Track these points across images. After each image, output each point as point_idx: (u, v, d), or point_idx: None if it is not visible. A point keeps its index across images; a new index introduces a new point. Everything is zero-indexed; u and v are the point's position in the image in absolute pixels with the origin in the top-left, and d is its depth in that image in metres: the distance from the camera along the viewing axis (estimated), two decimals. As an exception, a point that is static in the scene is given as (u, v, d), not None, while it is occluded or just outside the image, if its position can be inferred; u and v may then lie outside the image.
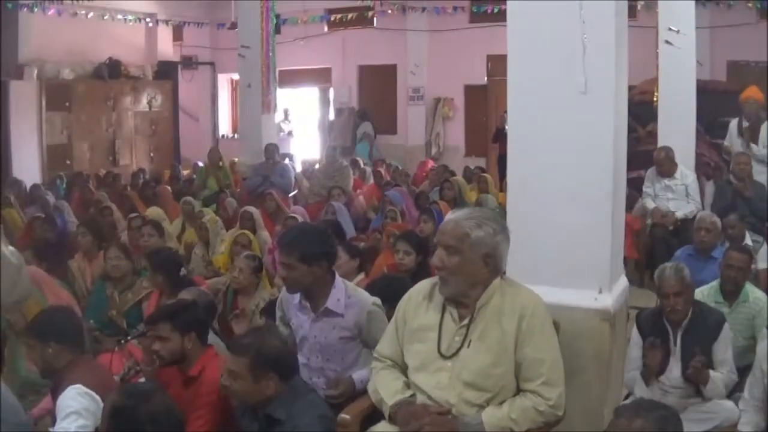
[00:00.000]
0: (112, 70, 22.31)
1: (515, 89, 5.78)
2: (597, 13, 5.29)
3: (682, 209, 11.33)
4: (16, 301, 3.06)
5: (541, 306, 4.49)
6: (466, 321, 4.44)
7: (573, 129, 5.43)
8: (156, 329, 5.51)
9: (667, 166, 11.59)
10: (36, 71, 20.24)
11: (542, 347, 4.39)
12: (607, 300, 5.46)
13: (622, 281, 5.96)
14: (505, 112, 20.29)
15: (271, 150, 15.29)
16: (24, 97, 19.90)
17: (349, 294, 5.38)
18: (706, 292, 6.97)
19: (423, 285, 4.79)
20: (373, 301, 5.43)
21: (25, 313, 6.53)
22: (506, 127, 19.14)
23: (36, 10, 19.67)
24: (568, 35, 5.37)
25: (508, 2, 5.80)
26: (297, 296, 5.41)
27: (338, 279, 5.43)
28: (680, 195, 11.50)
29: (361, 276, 7.76)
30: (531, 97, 5.63)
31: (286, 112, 24.30)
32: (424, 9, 22.46)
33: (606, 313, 5.41)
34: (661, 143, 11.89)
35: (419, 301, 4.68)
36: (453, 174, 14.77)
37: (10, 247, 3.04)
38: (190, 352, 5.38)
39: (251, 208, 11.07)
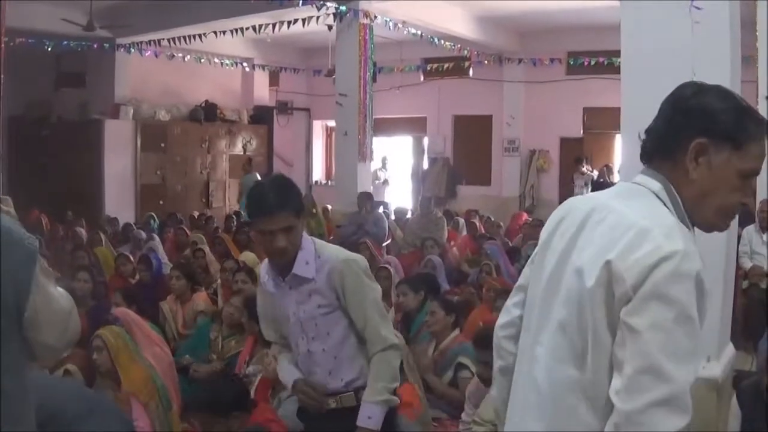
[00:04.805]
0: (208, 112, 22.59)
1: (629, 143, 5.65)
2: (711, 72, 5.15)
3: (778, 265, 11.08)
4: (66, 345, 2.95)
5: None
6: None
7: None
8: (196, 414, 5.79)
9: (768, 220, 11.37)
10: (132, 111, 20.62)
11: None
12: (715, 369, 5.30)
13: (730, 348, 5.79)
14: (605, 165, 20.39)
15: (365, 199, 15.19)
16: (120, 136, 20.32)
17: (319, 253, 4.54)
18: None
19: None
20: (345, 256, 4.61)
21: (114, 355, 6.50)
22: (607, 179, 19.10)
23: (133, 51, 20.01)
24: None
25: (622, 49, 5.72)
26: (267, 276, 4.67)
27: (306, 238, 4.56)
28: (778, 252, 11.23)
29: (456, 332, 7.56)
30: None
31: (384, 160, 24.31)
32: (520, 60, 22.46)
33: (713, 382, 5.26)
34: (760, 197, 11.59)
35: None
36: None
37: (61, 289, 2.92)
38: None
39: (346, 256, 10.90)
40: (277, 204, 4.34)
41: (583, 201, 2.91)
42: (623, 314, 2.42)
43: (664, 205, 2.66)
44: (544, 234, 2.94)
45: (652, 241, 2.44)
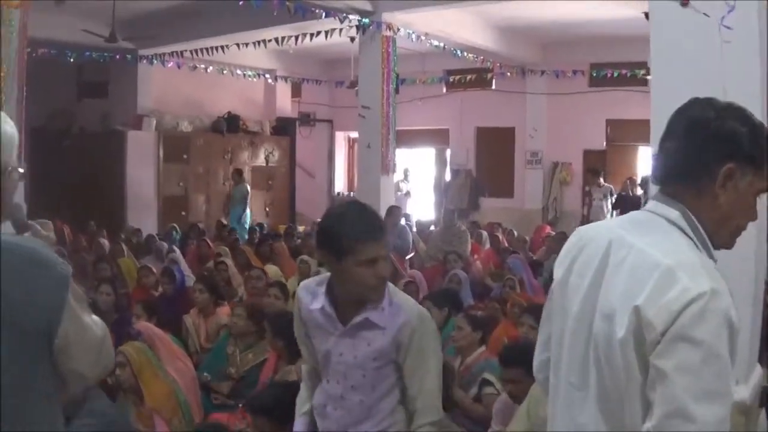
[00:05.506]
0: (231, 124, 22.66)
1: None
2: (741, 87, 5.08)
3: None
4: (99, 374, 2.91)
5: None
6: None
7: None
8: (254, 417, 5.50)
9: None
10: (155, 122, 20.69)
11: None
12: (744, 392, 5.21)
13: (758, 370, 5.69)
14: (629, 178, 20.28)
15: (397, 213, 15.08)
16: (142, 147, 20.42)
17: (392, 297, 3.97)
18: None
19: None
20: (420, 310, 4.08)
21: (137, 371, 6.48)
22: (630, 192, 19.04)
23: (155, 62, 20.04)
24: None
25: (652, 67, 5.67)
26: (320, 300, 3.96)
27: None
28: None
29: (482, 348, 7.48)
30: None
31: (406, 172, 24.22)
32: (543, 72, 22.34)
33: (742, 406, 5.16)
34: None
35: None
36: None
37: (95, 317, 2.87)
38: None
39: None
40: (384, 227, 3.91)
41: (597, 231, 2.84)
42: (652, 357, 2.42)
43: (684, 233, 2.62)
44: (559, 270, 2.89)
45: (679, 283, 2.41)
